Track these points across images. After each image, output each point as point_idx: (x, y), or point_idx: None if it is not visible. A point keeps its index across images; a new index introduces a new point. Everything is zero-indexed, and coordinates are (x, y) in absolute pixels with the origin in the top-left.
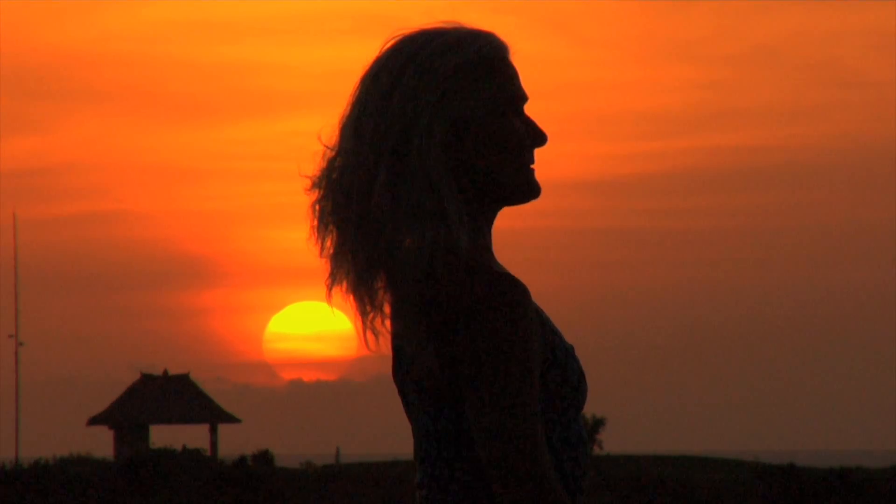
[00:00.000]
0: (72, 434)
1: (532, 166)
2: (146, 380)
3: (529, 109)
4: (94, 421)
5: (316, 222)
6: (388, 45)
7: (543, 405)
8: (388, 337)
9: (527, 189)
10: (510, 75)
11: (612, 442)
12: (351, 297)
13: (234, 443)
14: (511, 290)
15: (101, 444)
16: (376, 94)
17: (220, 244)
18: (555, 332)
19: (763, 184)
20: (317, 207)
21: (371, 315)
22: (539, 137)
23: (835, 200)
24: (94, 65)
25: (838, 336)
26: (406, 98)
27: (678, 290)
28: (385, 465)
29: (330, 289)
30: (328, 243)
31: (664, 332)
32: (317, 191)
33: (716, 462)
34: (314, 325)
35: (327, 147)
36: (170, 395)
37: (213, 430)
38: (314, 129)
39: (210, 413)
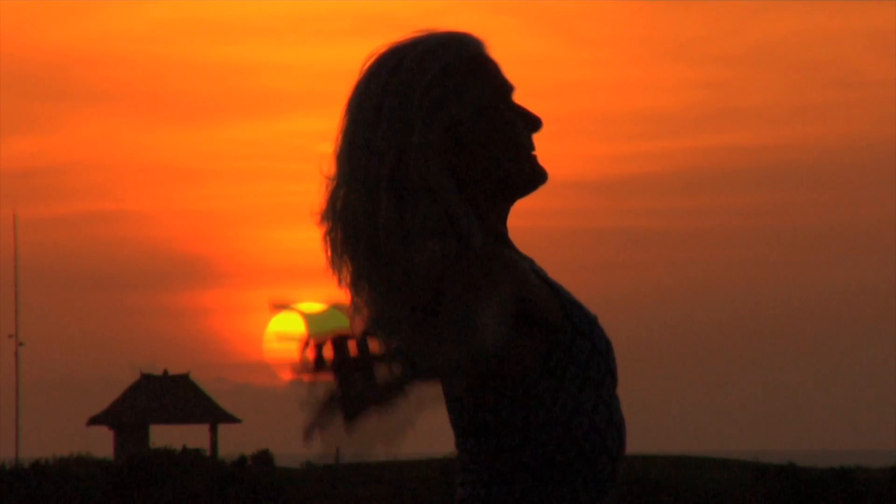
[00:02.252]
0: (72, 434)
1: (533, 153)
2: (146, 380)
3: (528, 106)
4: (94, 421)
5: (330, 254)
6: (364, 69)
7: (580, 383)
8: None
9: (533, 176)
10: (491, 69)
11: None
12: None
13: (234, 443)
14: (492, 252)
15: (101, 444)
16: (363, 122)
17: (220, 244)
18: (574, 303)
19: (763, 184)
20: (328, 239)
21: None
22: (533, 123)
23: (835, 200)
24: (94, 65)
25: (838, 336)
26: (393, 119)
27: (678, 290)
28: (385, 465)
29: (353, 317)
30: (345, 273)
31: (664, 332)
32: (326, 223)
33: (716, 462)
34: (315, 326)
35: (328, 178)
36: (170, 395)
37: (213, 430)
38: (314, 129)
39: (210, 413)
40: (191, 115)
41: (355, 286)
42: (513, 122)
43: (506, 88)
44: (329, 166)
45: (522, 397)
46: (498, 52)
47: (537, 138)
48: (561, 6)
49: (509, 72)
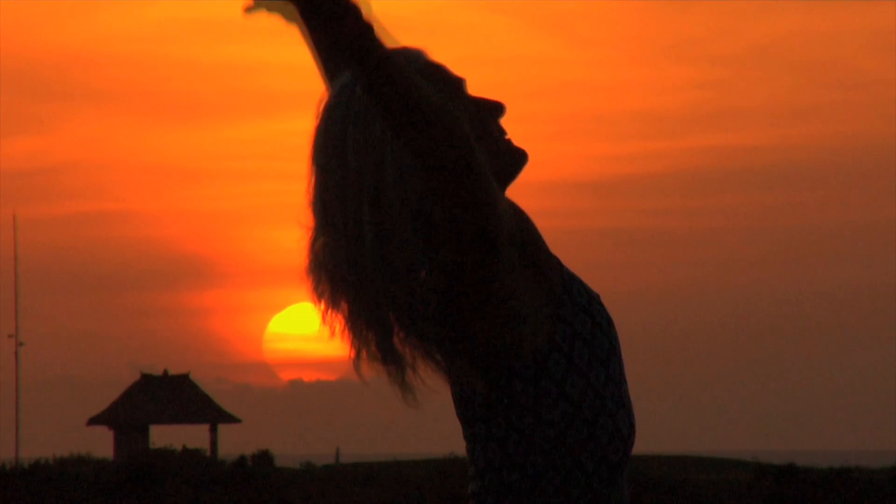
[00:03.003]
0: (72, 434)
1: (506, 137)
2: (146, 380)
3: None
4: (93, 421)
5: (322, 307)
6: (319, 112)
7: (587, 360)
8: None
9: (511, 159)
10: (440, 71)
11: None
12: (380, 367)
13: (234, 443)
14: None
15: (101, 444)
16: (329, 169)
17: (220, 244)
18: (573, 277)
19: (762, 184)
20: (317, 293)
21: (408, 372)
22: (495, 109)
23: (834, 200)
24: (94, 65)
25: (838, 336)
26: (361, 156)
27: (678, 289)
28: (385, 465)
29: (357, 364)
30: (340, 324)
31: (664, 332)
32: (311, 277)
33: (716, 462)
34: (314, 326)
35: (307, 229)
36: (170, 395)
37: (213, 430)
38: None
39: (210, 413)
40: (191, 115)
41: (352, 331)
42: (475, 113)
43: (459, 83)
44: (306, 217)
45: (534, 375)
46: (497, 51)
47: (538, 138)
48: (561, 6)
49: (509, 72)
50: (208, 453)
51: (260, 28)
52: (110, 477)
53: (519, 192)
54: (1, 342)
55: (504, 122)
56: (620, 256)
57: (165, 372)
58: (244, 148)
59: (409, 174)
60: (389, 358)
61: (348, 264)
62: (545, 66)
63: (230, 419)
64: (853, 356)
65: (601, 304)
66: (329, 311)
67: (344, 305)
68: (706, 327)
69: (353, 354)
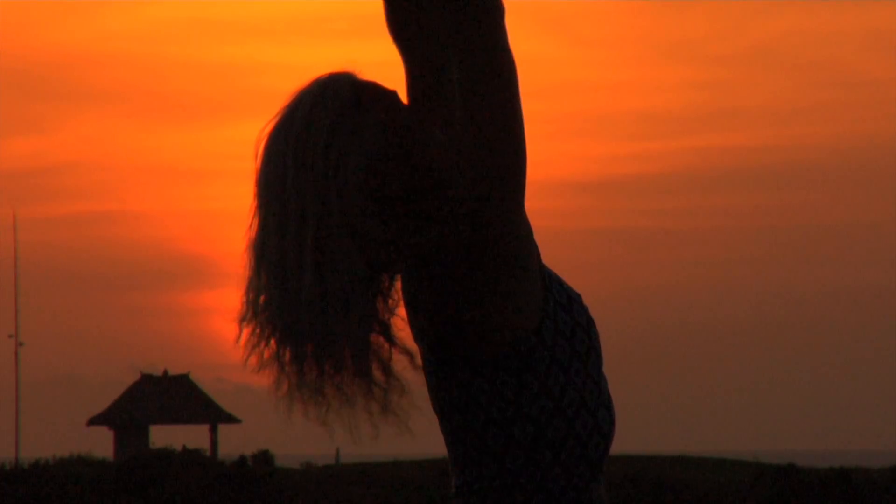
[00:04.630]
0: (72, 434)
1: None
2: (146, 380)
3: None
4: (93, 421)
5: (276, 367)
6: (258, 156)
7: (568, 356)
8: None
9: None
10: (373, 91)
11: None
12: (357, 396)
13: (234, 443)
14: None
15: (101, 444)
16: (271, 210)
17: (220, 244)
18: (552, 277)
19: (762, 184)
20: (259, 351)
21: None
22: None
23: (834, 200)
24: (94, 65)
25: (838, 336)
26: (301, 196)
27: (677, 289)
28: (385, 465)
29: (324, 413)
30: (292, 378)
31: (663, 332)
32: (246, 328)
33: (716, 462)
34: None
35: (247, 275)
36: (170, 395)
37: (213, 430)
38: None
39: (210, 413)
40: (191, 115)
41: (314, 385)
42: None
43: (395, 95)
44: (245, 262)
45: (517, 367)
46: None
47: (537, 137)
48: (561, 6)
49: None
50: (208, 453)
51: (260, 28)
52: (110, 477)
53: None
54: (1, 342)
55: None
56: (620, 256)
57: (165, 372)
58: (244, 148)
59: (360, 203)
60: (365, 384)
61: (291, 301)
62: (544, 65)
63: (230, 419)
64: (853, 356)
65: (581, 304)
66: (279, 368)
67: (298, 350)
68: (706, 327)
69: (320, 408)
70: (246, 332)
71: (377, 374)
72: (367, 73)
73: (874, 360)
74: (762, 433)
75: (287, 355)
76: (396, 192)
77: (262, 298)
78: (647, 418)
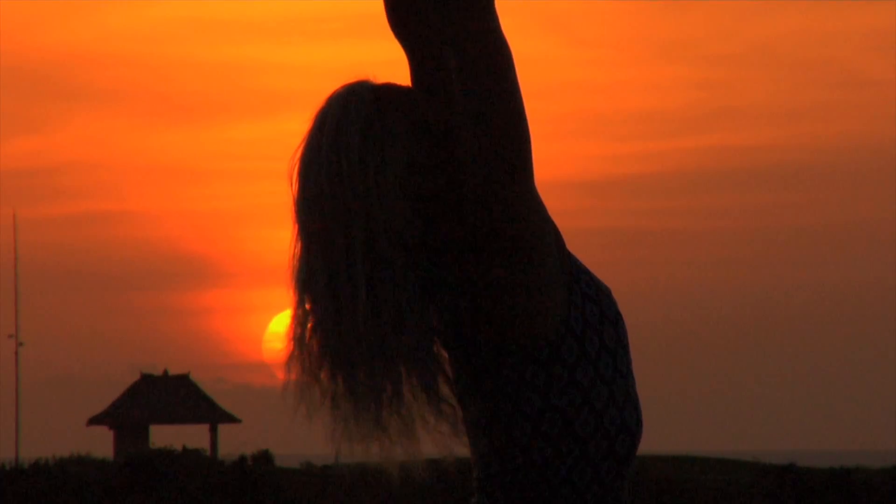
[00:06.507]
0: (72, 434)
1: None
2: (146, 380)
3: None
4: (93, 421)
5: (329, 404)
6: (293, 183)
7: (597, 349)
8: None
9: None
10: (394, 93)
11: None
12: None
13: (234, 443)
14: None
15: (101, 444)
16: (314, 234)
17: (221, 244)
18: (581, 269)
19: (762, 184)
20: (310, 389)
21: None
22: None
23: (833, 200)
24: (94, 65)
25: (838, 336)
26: (344, 213)
27: (677, 289)
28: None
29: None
30: (348, 413)
31: (663, 333)
32: (295, 366)
33: (716, 462)
34: None
35: (292, 310)
36: (170, 395)
37: (213, 430)
38: None
39: (210, 413)
40: (191, 115)
41: (378, 413)
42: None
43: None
44: (289, 288)
45: (547, 358)
46: None
47: (536, 137)
48: (560, 6)
49: None
50: (208, 453)
51: (260, 28)
52: (110, 477)
53: None
54: (1, 342)
55: None
56: (619, 256)
57: (165, 372)
58: (244, 148)
59: (401, 218)
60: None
61: (347, 330)
62: (544, 65)
63: (230, 419)
64: (853, 356)
65: (611, 298)
66: (334, 404)
67: (352, 383)
68: (706, 327)
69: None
70: (294, 370)
71: (444, 388)
72: (366, 73)
73: (874, 360)
74: (762, 433)
75: (341, 386)
76: (433, 190)
77: (308, 326)
78: (647, 418)
